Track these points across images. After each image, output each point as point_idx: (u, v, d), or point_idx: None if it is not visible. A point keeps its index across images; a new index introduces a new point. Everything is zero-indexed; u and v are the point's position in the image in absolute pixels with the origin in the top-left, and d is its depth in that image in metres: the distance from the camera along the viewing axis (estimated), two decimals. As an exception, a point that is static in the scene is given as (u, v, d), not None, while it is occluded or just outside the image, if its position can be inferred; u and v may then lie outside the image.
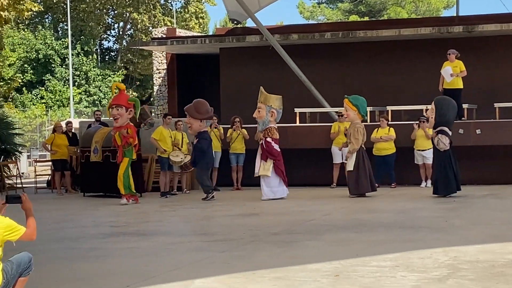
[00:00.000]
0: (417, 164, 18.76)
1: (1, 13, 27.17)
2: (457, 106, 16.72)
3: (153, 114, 24.54)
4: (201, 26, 59.82)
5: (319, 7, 66.39)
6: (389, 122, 19.21)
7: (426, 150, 18.52)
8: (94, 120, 21.20)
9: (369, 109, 20.59)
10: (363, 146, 16.57)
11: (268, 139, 16.50)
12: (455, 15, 30.46)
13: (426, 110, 20.02)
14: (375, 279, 7.51)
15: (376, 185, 18.50)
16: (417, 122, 18.78)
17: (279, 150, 16.71)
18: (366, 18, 58.54)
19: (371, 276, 7.66)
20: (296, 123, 20.70)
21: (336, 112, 19.89)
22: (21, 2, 27.79)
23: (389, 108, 20.55)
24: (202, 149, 16.58)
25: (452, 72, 18.82)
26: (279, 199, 16.29)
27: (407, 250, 9.12)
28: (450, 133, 15.96)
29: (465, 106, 19.49)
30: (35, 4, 29.49)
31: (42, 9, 48.55)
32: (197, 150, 16.67)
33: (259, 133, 16.76)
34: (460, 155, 18.79)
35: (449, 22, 23.54)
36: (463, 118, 19.12)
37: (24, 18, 35.53)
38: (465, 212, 13.42)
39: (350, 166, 16.45)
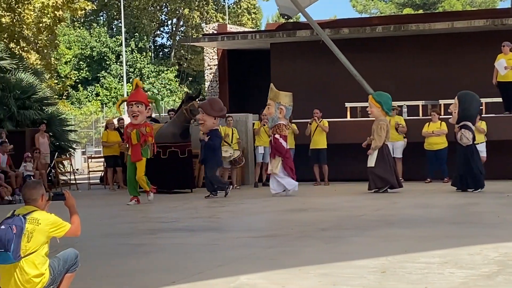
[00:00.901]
0: (470, 159, 18.47)
1: (56, 12, 27.57)
2: (480, 101, 16.55)
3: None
4: (253, 22, 59.86)
5: (372, 0, 65.90)
6: (441, 116, 18.97)
7: (479, 143, 18.22)
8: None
9: (421, 103, 20.46)
10: (386, 142, 16.50)
11: (277, 136, 16.40)
12: (510, 6, 29.92)
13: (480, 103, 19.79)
14: (423, 276, 7.42)
15: (428, 179, 18.34)
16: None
17: (287, 147, 16.64)
18: (420, 11, 57.94)
19: (419, 272, 7.57)
20: (347, 117, 20.58)
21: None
22: (75, 1, 28.15)
23: (442, 102, 20.29)
24: (214, 147, 16.52)
25: (506, 65, 18.51)
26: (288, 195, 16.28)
27: (456, 246, 9.00)
28: (473, 128, 15.96)
29: (519, 99, 19.14)
30: (89, 3, 29.83)
31: (96, 8, 49.17)
32: (208, 147, 16.51)
33: (269, 130, 16.79)
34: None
35: (504, 14, 23.12)
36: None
37: (78, 16, 35.94)
38: (519, 207, 13.20)
39: (371, 162, 16.36)
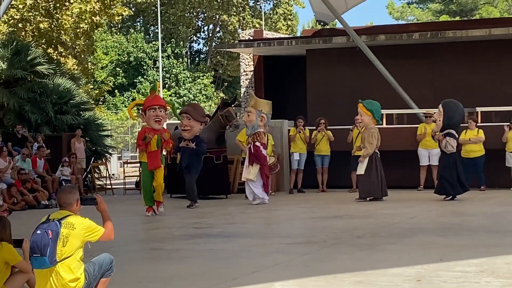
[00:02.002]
0: (508, 167, 18.31)
1: (93, 18, 27.82)
2: (463, 110, 16.76)
3: (238, 116, 24.64)
4: (289, 28, 59.85)
5: (409, 7, 65.52)
6: (479, 124, 18.81)
7: (517, 152, 18.07)
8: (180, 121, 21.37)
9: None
10: (376, 151, 16.48)
11: (257, 144, 16.32)
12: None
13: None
14: (459, 285, 7.35)
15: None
16: (508, 123, 18.32)
17: (266, 155, 16.61)
18: (457, 18, 57.50)
19: (454, 281, 7.50)
20: (382, 124, 20.48)
21: (424, 113, 19.59)
22: (112, 7, 28.38)
23: (479, 109, 20.13)
24: (202, 153, 16.42)
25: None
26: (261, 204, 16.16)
27: (493, 255, 8.91)
28: (457, 136, 16.17)
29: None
30: (126, 9, 30.06)
31: (133, 13, 49.48)
32: (196, 154, 16.24)
33: (248, 137, 16.56)
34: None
35: (542, 21, 22.90)
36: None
37: (115, 22, 36.24)
38: (557, 216, 13.03)
39: (361, 170, 16.34)
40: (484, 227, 11.67)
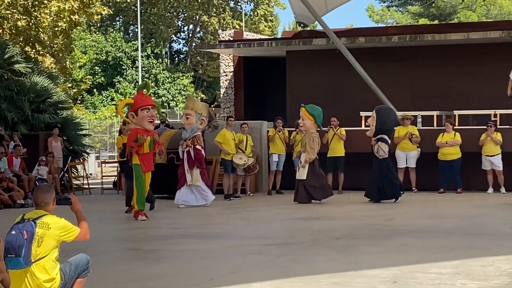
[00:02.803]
0: (484, 170, 18.41)
1: (72, 16, 27.69)
2: (396, 115, 17.06)
3: (218, 116, 24.60)
4: (270, 29, 59.88)
5: (389, 10, 65.80)
6: (457, 127, 18.91)
7: (494, 155, 18.17)
8: (159, 122, 21.31)
9: (435, 113, 20.39)
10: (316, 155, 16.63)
11: (198, 147, 16.16)
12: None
13: (494, 115, 19.75)
14: (434, 287, 7.40)
15: (442, 190, 18.24)
16: (485, 127, 18.43)
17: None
18: (436, 22, 57.81)
19: (430, 283, 7.54)
20: (361, 126, 20.53)
21: (402, 116, 19.66)
22: (91, 5, 28.26)
23: (457, 112, 20.24)
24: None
25: (521, 77, 18.39)
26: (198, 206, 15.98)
27: (468, 257, 8.96)
28: (389, 141, 16.45)
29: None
30: (105, 8, 29.95)
31: (112, 13, 49.29)
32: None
33: (184, 141, 16.25)
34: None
35: (520, 26, 23.05)
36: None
37: (94, 21, 36.10)
38: (532, 219, 13.11)
39: (303, 175, 16.37)
40: (460, 229, 11.74)
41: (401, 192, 16.46)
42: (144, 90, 14.94)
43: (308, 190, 16.44)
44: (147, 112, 14.22)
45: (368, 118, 17.02)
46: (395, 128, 18.97)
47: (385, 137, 16.37)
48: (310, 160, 16.43)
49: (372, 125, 16.53)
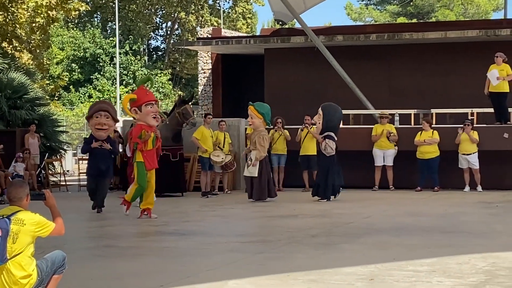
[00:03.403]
0: (461, 168, 18.51)
1: (50, 12, 27.51)
2: (342, 113, 17.07)
3: (195, 113, 24.55)
4: (249, 27, 59.88)
5: (367, 8, 66.01)
6: (434, 125, 19.00)
7: (471, 154, 18.27)
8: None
9: (413, 111, 20.48)
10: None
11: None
12: (503, 17, 30.04)
13: (471, 113, 19.87)
14: (410, 284, 7.43)
15: (419, 188, 18.31)
16: (462, 125, 18.54)
17: None
18: (414, 20, 58.04)
19: (407, 280, 7.57)
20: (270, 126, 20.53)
21: (379, 114, 19.73)
22: (68, 1, 28.09)
23: (434, 111, 20.34)
24: (116, 155, 15.93)
25: (499, 76, 18.53)
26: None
27: (445, 255, 9.01)
28: (336, 138, 16.48)
29: (511, 110, 19.18)
30: (83, 4, 29.77)
31: (90, 9, 49.02)
32: (111, 155, 15.20)
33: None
34: (505, 160, 18.61)
35: (497, 25, 23.23)
36: (508, 122, 18.82)
37: (72, 17, 35.87)
38: (508, 217, 13.22)
39: (254, 173, 16.36)
40: (437, 227, 11.80)
41: (338, 192, 16.54)
42: (147, 85, 14.43)
43: (261, 187, 16.40)
44: (151, 107, 13.74)
45: (315, 116, 17.00)
46: (374, 125, 19.09)
47: (332, 134, 16.44)
48: (261, 158, 16.41)
49: (319, 123, 16.57)
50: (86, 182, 15.71)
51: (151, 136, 13.67)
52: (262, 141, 16.42)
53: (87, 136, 20.52)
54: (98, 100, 45.63)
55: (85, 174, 17.14)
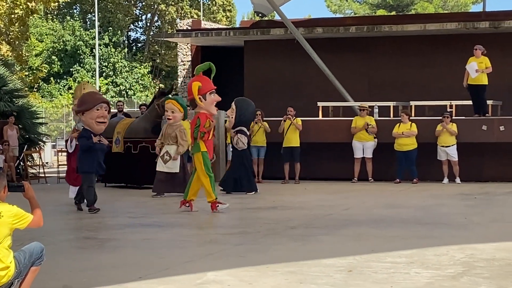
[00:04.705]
0: (440, 160, 18.62)
1: (29, 3, 27.35)
2: (255, 108, 17.30)
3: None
4: (228, 19, 59.80)
5: (347, 1, 66.05)
6: (413, 118, 19.09)
7: (449, 146, 18.38)
8: (117, 111, 21.20)
9: (392, 104, 20.57)
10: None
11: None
12: (482, 10, 30.18)
13: (450, 106, 19.98)
14: (389, 275, 7.46)
15: (398, 180, 18.42)
16: (441, 118, 18.63)
17: None
18: (394, 13, 58.16)
19: (385, 272, 7.61)
20: (318, 117, 20.64)
21: (359, 106, 19.80)
22: (48, -8, 27.95)
23: (413, 103, 20.44)
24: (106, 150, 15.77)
25: (478, 68, 18.63)
26: None
27: (423, 246, 9.06)
28: (248, 133, 16.76)
29: (489, 102, 19.34)
30: (62, -5, 29.63)
31: (70, 0, 48.75)
32: (105, 150, 13.98)
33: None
34: (483, 152, 18.73)
35: (475, 18, 23.34)
36: (487, 115, 18.95)
37: (51, 9, 35.69)
38: (486, 209, 13.32)
39: (176, 168, 16.07)
40: (415, 219, 11.86)
41: (254, 189, 16.59)
42: (209, 72, 13.79)
43: (172, 182, 16.15)
44: (213, 96, 13.39)
45: (227, 110, 17.00)
46: (354, 118, 19.14)
47: (244, 129, 16.55)
48: (182, 153, 16.27)
49: (232, 117, 16.61)
50: (82, 182, 13.61)
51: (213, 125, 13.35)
52: (184, 136, 16.06)
53: (69, 129, 20.07)
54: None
55: (64, 166, 16.79)
